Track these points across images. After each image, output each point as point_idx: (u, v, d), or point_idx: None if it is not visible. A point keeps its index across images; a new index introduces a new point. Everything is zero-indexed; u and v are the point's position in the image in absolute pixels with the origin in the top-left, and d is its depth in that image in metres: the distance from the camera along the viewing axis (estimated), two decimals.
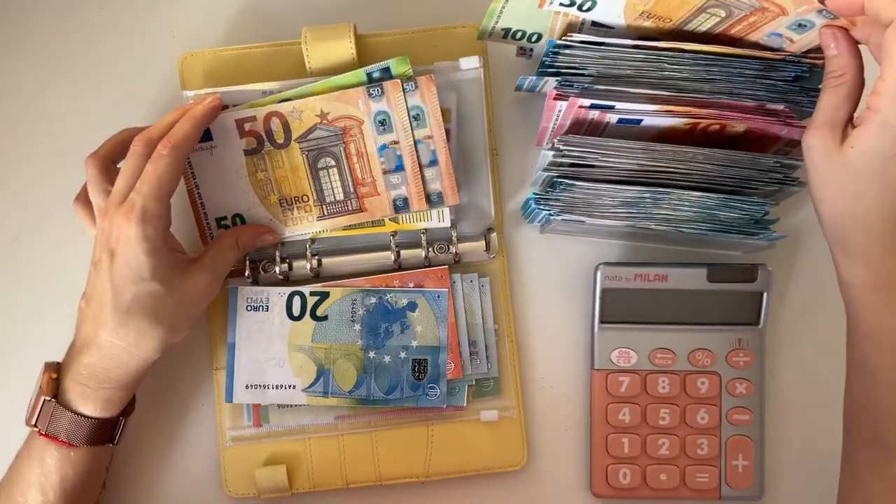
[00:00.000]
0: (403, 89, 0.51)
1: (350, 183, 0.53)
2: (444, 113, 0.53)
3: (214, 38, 0.59)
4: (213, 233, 0.55)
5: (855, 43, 0.43)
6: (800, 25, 0.44)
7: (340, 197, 0.54)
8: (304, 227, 0.55)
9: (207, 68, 0.56)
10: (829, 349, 0.56)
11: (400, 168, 0.53)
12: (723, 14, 0.45)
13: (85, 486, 0.50)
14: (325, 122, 0.52)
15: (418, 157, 0.52)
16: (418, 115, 0.51)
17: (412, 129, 0.52)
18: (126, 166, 0.48)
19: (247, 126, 0.52)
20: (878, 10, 0.40)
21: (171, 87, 0.58)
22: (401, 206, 0.54)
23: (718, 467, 0.54)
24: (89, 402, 0.48)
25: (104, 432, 0.49)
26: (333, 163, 0.53)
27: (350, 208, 0.54)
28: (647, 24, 0.47)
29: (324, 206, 0.54)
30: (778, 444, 0.56)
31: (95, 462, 0.50)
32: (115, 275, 0.47)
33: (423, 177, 0.53)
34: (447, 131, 0.53)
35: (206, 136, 0.52)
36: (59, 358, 0.51)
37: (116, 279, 0.47)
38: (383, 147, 0.52)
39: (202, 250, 0.53)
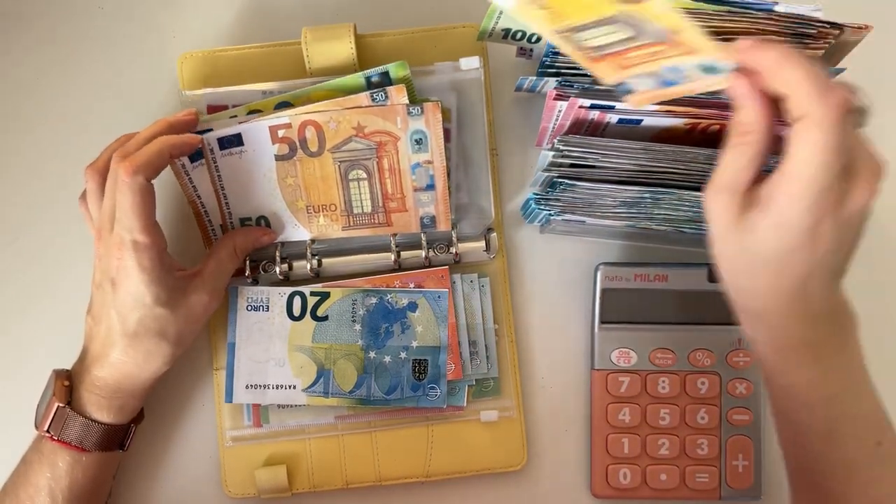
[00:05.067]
0: (409, 113, 0.51)
1: (379, 196, 0.53)
2: (445, 113, 0.53)
3: (214, 38, 0.59)
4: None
5: (769, 101, 0.38)
6: (707, 69, 0.40)
7: (368, 209, 0.54)
8: (327, 234, 0.55)
9: (207, 68, 0.56)
10: None
11: (431, 187, 0.53)
12: (630, 34, 0.40)
13: (92, 491, 0.51)
14: (360, 134, 0.52)
15: (414, 180, 0.53)
16: (420, 139, 0.52)
17: (416, 153, 0.52)
18: (108, 184, 0.48)
19: (280, 133, 0.52)
20: (795, 104, 0.37)
21: (171, 87, 0.58)
22: (427, 223, 0.54)
23: (718, 467, 0.54)
24: (104, 411, 0.50)
25: (115, 438, 0.51)
26: (365, 175, 0.53)
27: (376, 221, 0.54)
28: (537, 13, 0.42)
29: (350, 217, 0.54)
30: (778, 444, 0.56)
31: (104, 468, 0.51)
32: (119, 303, 0.48)
33: (419, 199, 0.53)
34: (447, 131, 0.53)
35: (238, 141, 0.52)
36: (58, 358, 0.51)
37: (121, 307, 0.48)
38: (416, 165, 0.52)
39: (201, 263, 0.53)
